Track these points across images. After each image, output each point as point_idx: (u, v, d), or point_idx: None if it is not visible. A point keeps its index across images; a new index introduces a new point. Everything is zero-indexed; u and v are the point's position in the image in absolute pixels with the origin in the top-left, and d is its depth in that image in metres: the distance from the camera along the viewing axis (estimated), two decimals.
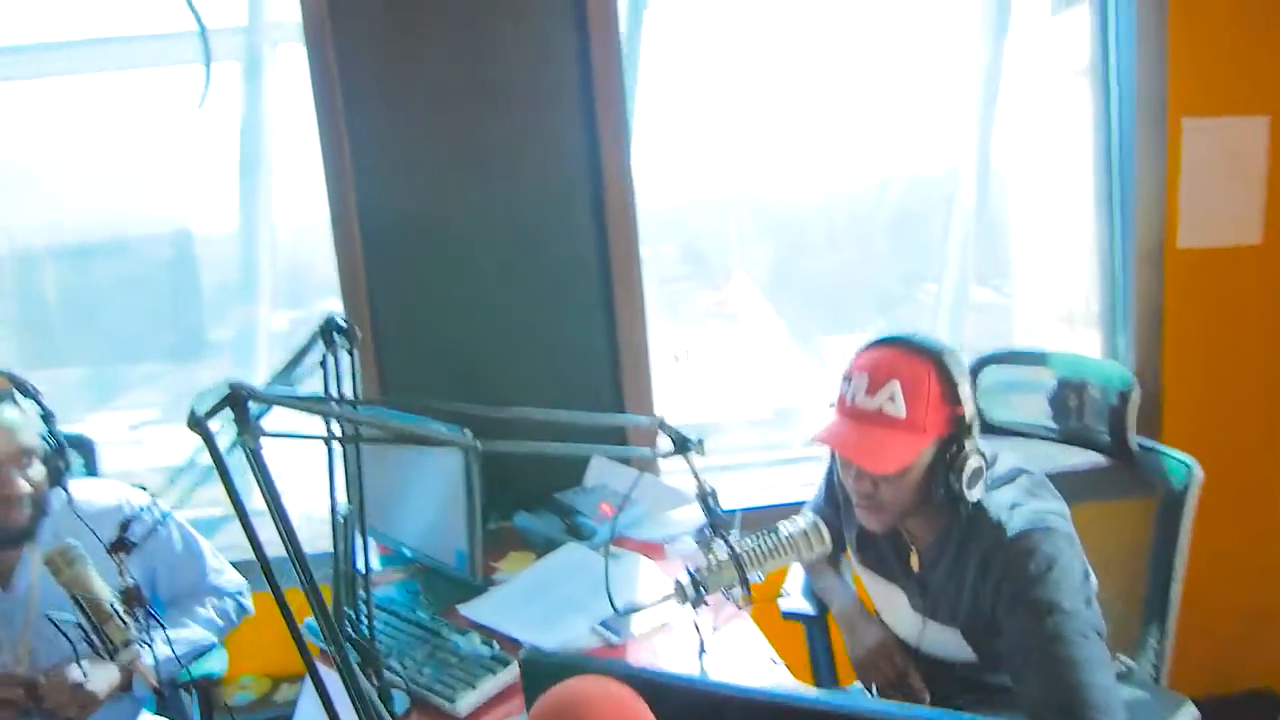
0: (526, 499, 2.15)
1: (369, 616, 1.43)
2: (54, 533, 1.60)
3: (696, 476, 1.29)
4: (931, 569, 1.47)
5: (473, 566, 1.78)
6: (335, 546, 1.40)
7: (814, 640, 1.81)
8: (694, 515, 1.98)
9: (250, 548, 1.03)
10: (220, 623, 1.83)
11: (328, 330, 1.35)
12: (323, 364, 1.35)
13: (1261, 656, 2.58)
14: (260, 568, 1.02)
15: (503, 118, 2.20)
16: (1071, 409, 1.58)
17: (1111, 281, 2.49)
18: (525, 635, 1.65)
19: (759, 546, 1.32)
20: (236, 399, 0.97)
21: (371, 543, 2.04)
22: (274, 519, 1.05)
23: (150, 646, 1.35)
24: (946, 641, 1.49)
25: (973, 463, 1.34)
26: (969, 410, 1.35)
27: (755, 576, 1.31)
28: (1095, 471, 1.57)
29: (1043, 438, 1.64)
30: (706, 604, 1.33)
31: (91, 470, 2.01)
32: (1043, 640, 1.29)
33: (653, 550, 1.96)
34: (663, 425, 1.27)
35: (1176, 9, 2.29)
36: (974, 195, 2.77)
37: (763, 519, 1.43)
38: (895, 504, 1.40)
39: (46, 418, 1.65)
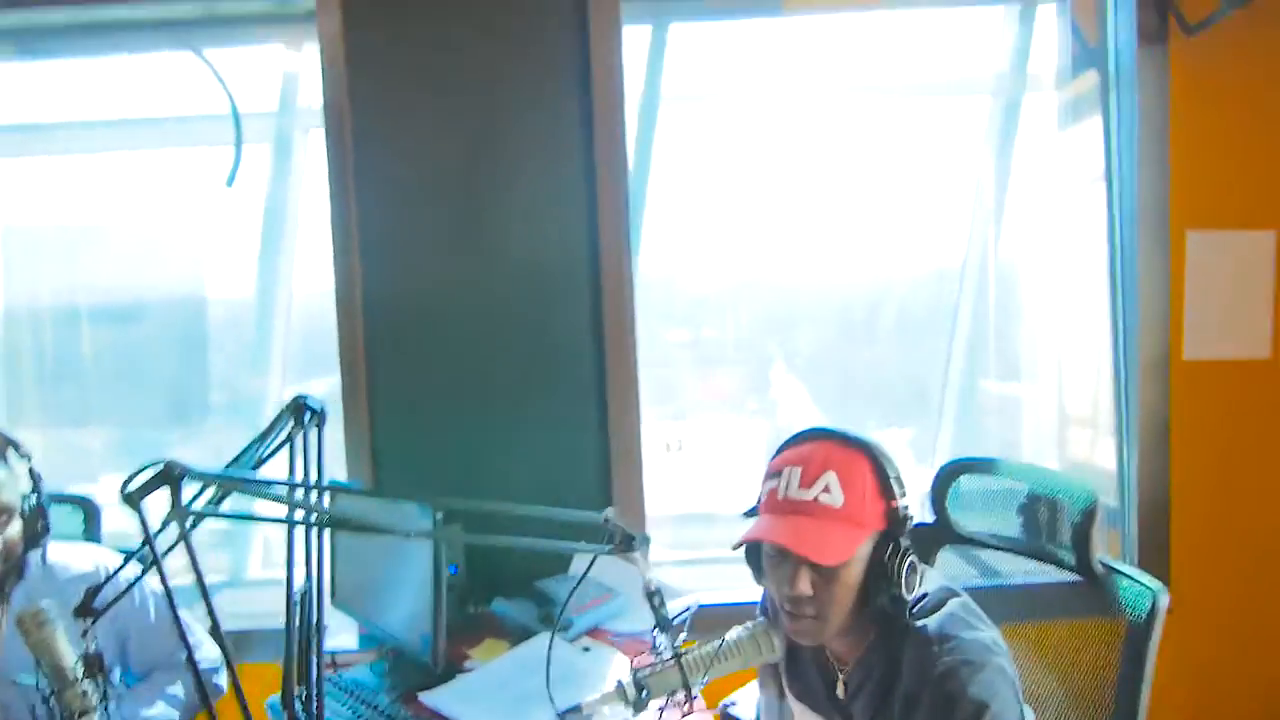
0: (509, 584, 2.16)
1: (319, 699, 1.43)
2: (27, 595, 1.63)
3: (643, 575, 1.28)
4: (855, 695, 1.37)
5: (435, 654, 1.74)
6: (289, 625, 1.40)
7: None
8: (678, 609, 1.95)
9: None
10: (186, 699, 1.80)
11: (298, 409, 1.39)
12: (290, 443, 1.38)
13: None
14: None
15: (505, 209, 2.28)
16: (1042, 523, 1.54)
17: (1117, 391, 2.46)
18: None
19: (705, 650, 1.31)
20: (170, 478, 1.00)
21: (352, 621, 2.06)
22: (203, 597, 1.07)
23: (108, 717, 1.36)
24: None
25: (909, 560, 1.26)
26: (901, 505, 1.28)
27: (698, 681, 1.29)
28: (1064, 587, 1.52)
29: (1012, 550, 1.60)
30: (646, 707, 1.31)
31: (93, 532, 2.03)
32: None
33: (635, 645, 1.93)
34: (608, 521, 1.26)
35: (1179, 125, 2.32)
36: (991, 294, 2.78)
37: (743, 617, 1.40)
38: (833, 607, 1.28)
39: (35, 480, 1.69)
